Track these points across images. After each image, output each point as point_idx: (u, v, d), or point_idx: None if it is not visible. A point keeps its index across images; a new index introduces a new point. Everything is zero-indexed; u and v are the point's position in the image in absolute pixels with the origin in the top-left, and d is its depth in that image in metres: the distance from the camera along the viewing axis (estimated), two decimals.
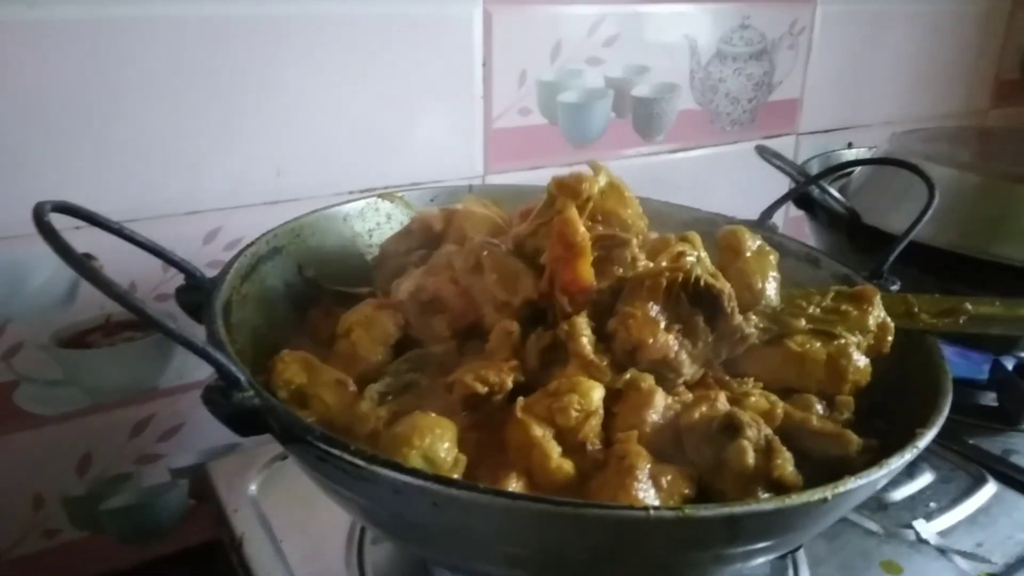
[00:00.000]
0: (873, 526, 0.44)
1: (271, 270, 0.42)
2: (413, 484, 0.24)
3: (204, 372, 0.56)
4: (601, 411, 0.30)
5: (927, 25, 0.92)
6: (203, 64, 0.50)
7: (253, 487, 0.46)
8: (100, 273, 0.26)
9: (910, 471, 0.49)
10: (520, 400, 0.31)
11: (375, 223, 0.50)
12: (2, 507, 0.52)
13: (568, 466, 0.28)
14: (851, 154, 0.71)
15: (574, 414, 0.29)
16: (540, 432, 0.29)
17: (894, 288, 0.41)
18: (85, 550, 0.56)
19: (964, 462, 0.50)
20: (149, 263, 0.49)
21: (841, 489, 0.25)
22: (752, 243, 0.40)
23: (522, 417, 0.29)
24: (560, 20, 0.64)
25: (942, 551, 0.42)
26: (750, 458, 0.29)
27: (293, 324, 0.40)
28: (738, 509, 0.24)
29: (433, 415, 0.29)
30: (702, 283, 0.33)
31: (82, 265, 0.26)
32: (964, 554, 0.42)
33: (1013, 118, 1.06)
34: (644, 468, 0.27)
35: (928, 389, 0.33)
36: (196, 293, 0.36)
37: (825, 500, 0.25)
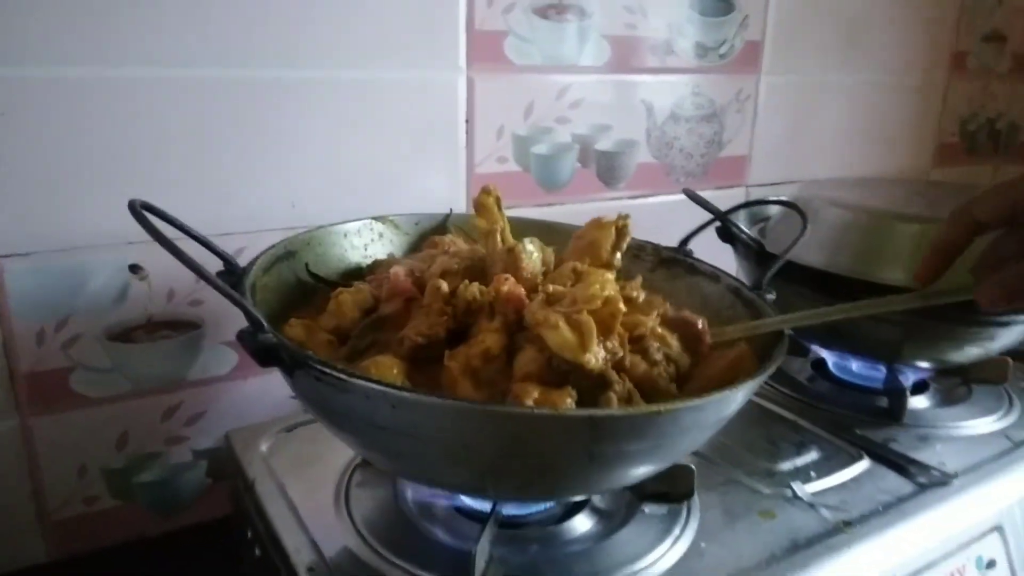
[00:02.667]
0: (759, 487, 0.54)
1: (286, 267, 0.53)
2: (377, 390, 0.35)
3: (225, 367, 0.68)
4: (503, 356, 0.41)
5: (867, 93, 1.05)
6: (235, 117, 0.62)
7: (264, 447, 0.57)
8: (179, 249, 0.38)
9: (798, 448, 0.59)
10: (447, 352, 0.42)
11: (369, 239, 0.61)
12: (53, 473, 0.62)
13: (479, 397, 0.39)
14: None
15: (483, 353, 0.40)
16: (458, 374, 0.40)
17: (770, 297, 0.51)
18: (118, 517, 0.66)
19: (848, 446, 0.60)
20: (183, 275, 0.62)
21: (671, 407, 0.36)
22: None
23: (448, 364, 0.41)
24: (533, 86, 0.77)
25: (811, 505, 0.52)
26: (615, 404, 0.39)
27: (300, 305, 0.52)
28: (596, 413, 0.35)
29: (385, 356, 0.41)
30: None
31: (167, 243, 0.37)
32: (828, 507, 0.52)
33: (953, 176, 1.18)
34: (533, 394, 0.38)
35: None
36: (232, 277, 0.47)
37: (659, 412, 0.35)
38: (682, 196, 0.90)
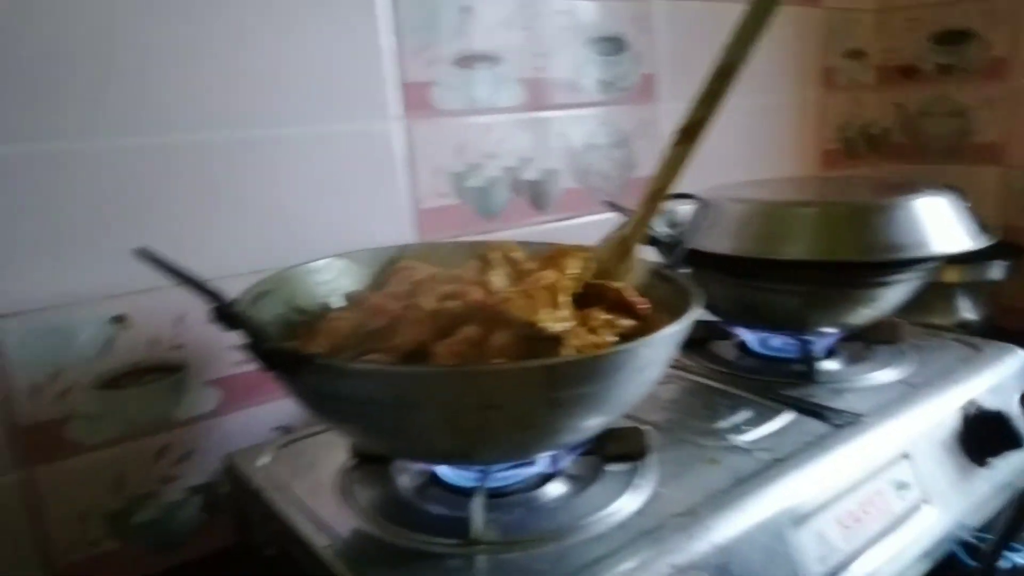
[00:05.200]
0: (703, 442, 0.63)
1: (265, 304, 0.59)
2: (375, 369, 0.42)
3: (209, 405, 0.73)
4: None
5: (757, 113, 1.18)
6: (194, 177, 0.68)
7: (262, 461, 0.62)
8: (193, 278, 0.44)
9: (732, 410, 0.68)
10: (433, 345, 0.49)
11: (334, 274, 0.67)
12: (56, 521, 0.65)
13: None
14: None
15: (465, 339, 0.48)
16: (446, 358, 0.48)
17: (683, 271, 0.61)
18: (121, 557, 0.69)
19: (773, 403, 0.69)
20: (164, 322, 0.68)
21: (611, 350, 0.44)
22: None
23: (436, 350, 0.48)
24: (461, 128, 0.86)
25: (747, 450, 0.61)
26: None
27: (284, 338, 0.58)
28: (551, 360, 0.43)
29: (377, 355, 0.48)
30: None
31: (182, 275, 0.44)
32: (762, 450, 0.61)
33: None
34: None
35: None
36: (224, 311, 0.52)
37: (602, 356, 0.44)
38: (607, 215, 1.01)
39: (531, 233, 0.93)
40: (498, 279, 0.55)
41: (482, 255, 0.57)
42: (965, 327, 1.16)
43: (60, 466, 0.65)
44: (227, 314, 0.46)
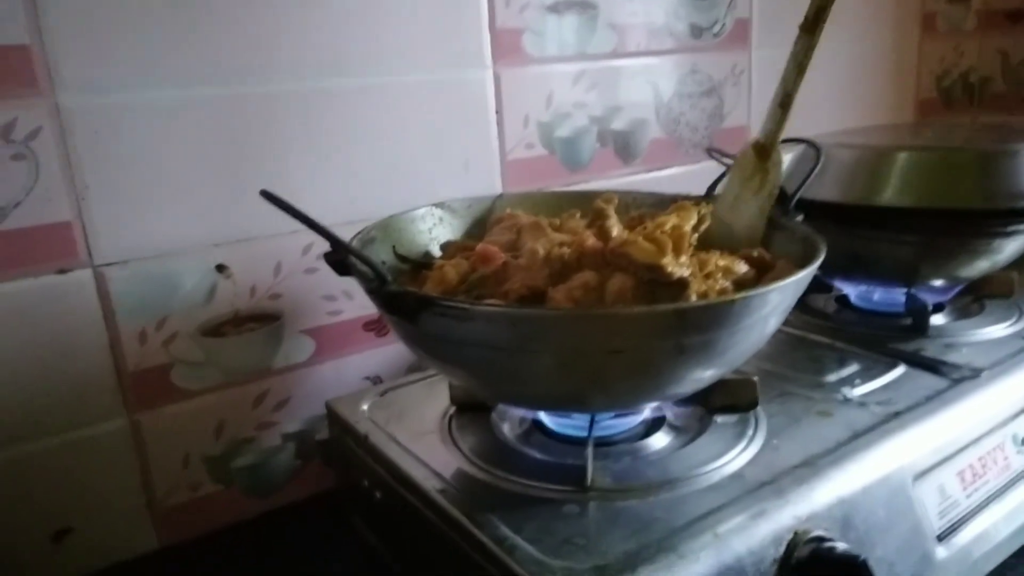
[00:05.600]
0: (812, 395, 0.60)
1: (373, 251, 0.59)
2: (499, 312, 0.41)
3: (305, 354, 0.73)
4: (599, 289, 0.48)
5: (848, 57, 1.13)
6: (294, 126, 0.68)
7: (364, 407, 0.63)
8: (315, 222, 0.43)
9: (839, 363, 0.65)
10: (550, 288, 0.48)
11: (432, 223, 0.67)
12: (160, 463, 0.67)
13: None
14: None
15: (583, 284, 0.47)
16: (562, 301, 0.46)
17: (799, 218, 0.58)
18: (220, 501, 0.71)
19: (883, 357, 0.66)
20: (264, 271, 0.68)
21: (743, 295, 0.42)
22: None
23: (552, 295, 0.47)
24: (550, 77, 0.84)
25: (862, 403, 0.58)
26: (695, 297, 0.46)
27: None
28: (682, 305, 0.41)
29: (492, 300, 0.47)
30: None
31: (301, 216, 0.43)
32: (878, 403, 0.58)
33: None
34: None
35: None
36: (337, 253, 0.52)
37: (733, 301, 0.42)
38: (693, 167, 0.99)
39: (617, 184, 0.91)
40: (615, 226, 0.54)
41: (593, 204, 0.55)
42: None
43: (164, 411, 0.67)
44: (345, 258, 0.46)
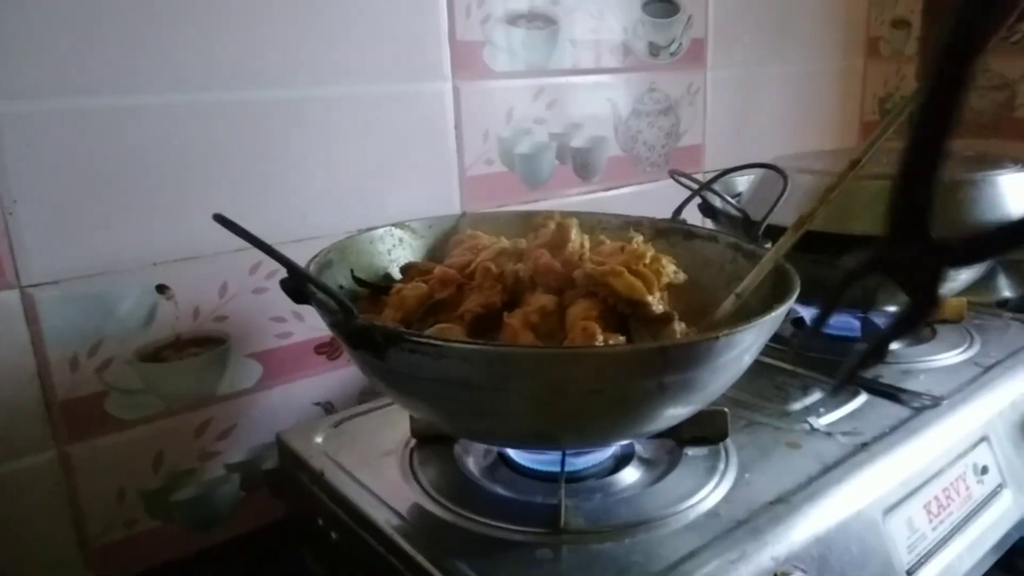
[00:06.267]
0: (780, 424, 0.60)
1: (330, 276, 0.56)
2: (475, 350, 0.39)
3: (251, 380, 0.69)
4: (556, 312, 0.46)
5: (798, 81, 1.14)
6: (241, 138, 0.64)
7: (319, 439, 0.59)
8: (274, 249, 0.40)
9: (803, 391, 0.65)
10: (506, 313, 0.46)
11: (392, 244, 0.64)
12: (92, 499, 0.62)
13: None
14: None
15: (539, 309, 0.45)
16: (519, 328, 0.44)
17: (768, 245, 0.57)
18: (158, 538, 0.66)
19: (844, 385, 0.66)
20: (208, 293, 0.64)
21: (724, 332, 0.40)
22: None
23: (508, 321, 0.45)
24: (510, 91, 0.82)
25: (828, 433, 0.58)
26: (678, 335, 0.44)
27: None
28: (667, 343, 0.39)
29: (447, 325, 0.45)
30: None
31: (257, 241, 0.40)
32: (844, 433, 0.58)
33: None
34: (598, 330, 0.42)
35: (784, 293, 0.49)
36: (295, 280, 0.49)
37: (717, 337, 0.40)
38: (650, 185, 0.98)
39: (576, 203, 0.90)
40: (576, 245, 0.52)
41: (554, 222, 0.53)
42: (1003, 305, 1.13)
43: (97, 443, 0.62)
44: (303, 286, 0.42)
